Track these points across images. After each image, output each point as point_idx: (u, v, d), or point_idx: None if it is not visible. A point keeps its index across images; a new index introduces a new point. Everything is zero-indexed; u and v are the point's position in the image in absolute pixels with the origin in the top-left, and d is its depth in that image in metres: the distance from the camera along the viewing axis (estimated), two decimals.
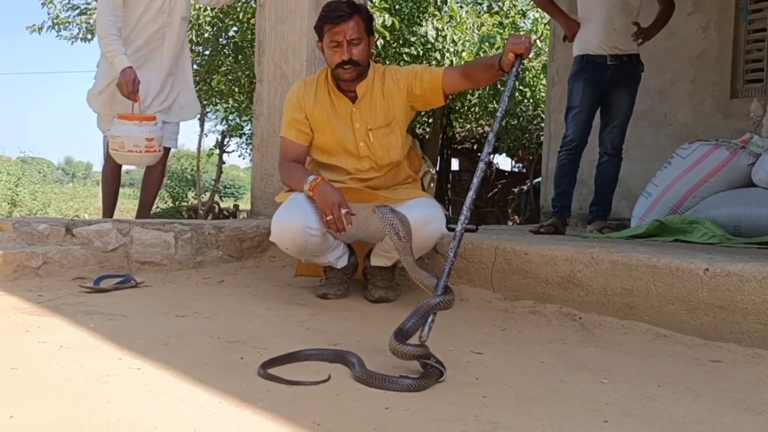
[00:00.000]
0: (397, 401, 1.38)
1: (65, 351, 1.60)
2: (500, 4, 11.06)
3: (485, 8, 11.24)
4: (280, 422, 1.22)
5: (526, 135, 10.87)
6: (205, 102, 11.78)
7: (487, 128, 11.59)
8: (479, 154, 12.15)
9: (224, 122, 14.80)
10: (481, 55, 9.80)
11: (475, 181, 1.86)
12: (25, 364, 1.49)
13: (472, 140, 12.01)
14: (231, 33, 10.54)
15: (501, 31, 10.23)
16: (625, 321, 2.10)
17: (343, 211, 2.14)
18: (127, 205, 14.91)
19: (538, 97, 10.56)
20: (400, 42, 9.35)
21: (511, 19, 10.71)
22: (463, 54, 9.67)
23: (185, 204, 18.32)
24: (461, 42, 9.68)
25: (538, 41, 10.14)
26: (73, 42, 10.58)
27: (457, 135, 12.05)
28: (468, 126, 12.07)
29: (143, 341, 1.71)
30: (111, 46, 3.31)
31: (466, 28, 9.90)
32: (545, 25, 9.52)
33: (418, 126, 11.13)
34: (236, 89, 11.21)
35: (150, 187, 3.73)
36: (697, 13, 4.66)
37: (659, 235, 3.10)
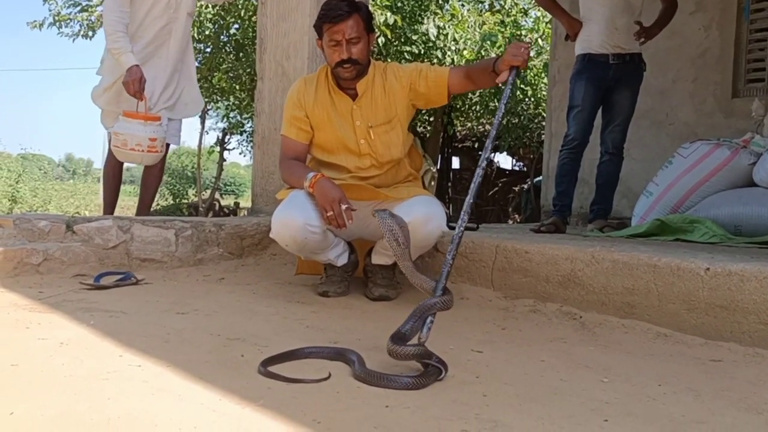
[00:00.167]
0: (397, 399, 1.38)
1: (65, 348, 1.60)
2: (502, 2, 11.04)
3: (487, 6, 11.22)
4: (280, 420, 1.22)
5: (527, 133, 10.87)
6: (206, 99, 11.76)
7: (488, 126, 11.59)
8: (480, 152, 12.16)
9: (225, 120, 14.80)
10: (483, 53, 9.80)
11: (473, 186, 1.86)
12: (26, 361, 1.49)
13: (473, 138, 12.01)
14: (232, 30, 10.54)
15: (503, 29, 10.21)
16: (626, 320, 2.10)
17: (344, 206, 2.14)
18: (128, 202, 14.92)
19: (539, 95, 10.56)
20: (402, 40, 9.34)
21: (512, 18, 10.69)
22: (465, 52, 9.67)
23: (186, 201, 18.32)
24: (463, 40, 9.68)
25: (539, 40, 10.13)
26: (74, 39, 10.59)
27: (458, 133, 12.05)
28: (469, 124, 12.07)
29: (143, 338, 1.72)
30: (118, 43, 3.30)
31: (468, 27, 9.89)
32: (547, 23, 9.51)
33: (419, 124, 11.13)
34: (237, 87, 11.22)
35: (149, 184, 3.73)
36: (699, 12, 4.65)
37: (660, 234, 3.10)
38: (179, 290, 2.41)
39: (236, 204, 17.69)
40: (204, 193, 16.67)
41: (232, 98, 12.25)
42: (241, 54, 10.43)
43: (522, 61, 2.05)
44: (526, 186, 10.59)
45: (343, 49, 2.27)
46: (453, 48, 9.56)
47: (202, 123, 14.99)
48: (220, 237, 2.92)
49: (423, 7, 9.57)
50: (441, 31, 9.29)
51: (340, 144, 2.40)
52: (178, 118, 3.69)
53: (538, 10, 10.15)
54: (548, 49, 7.88)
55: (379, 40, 8.89)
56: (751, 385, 1.58)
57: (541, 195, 5.77)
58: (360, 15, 2.29)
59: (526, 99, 10.76)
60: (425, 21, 9.27)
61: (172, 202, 18.72)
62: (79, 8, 10.50)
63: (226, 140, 16.38)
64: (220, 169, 17.23)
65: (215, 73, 10.99)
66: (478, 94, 10.58)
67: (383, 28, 8.26)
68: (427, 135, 11.27)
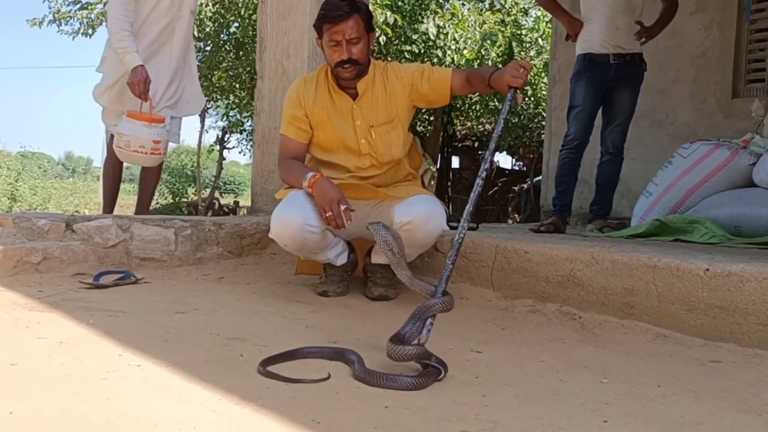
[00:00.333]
0: (396, 399, 1.38)
1: (65, 347, 1.60)
2: (502, 1, 11.04)
3: (487, 6, 11.22)
4: (279, 420, 1.22)
5: (527, 133, 10.87)
6: (206, 98, 11.77)
7: (488, 126, 11.58)
8: (480, 152, 12.17)
9: (225, 118, 14.80)
10: (483, 53, 9.80)
11: (473, 195, 1.86)
12: (25, 360, 1.49)
13: (473, 138, 12.01)
14: (232, 29, 10.54)
15: (503, 28, 10.21)
16: (625, 321, 2.10)
17: (342, 207, 2.14)
18: (127, 200, 14.90)
19: (539, 95, 10.56)
20: (402, 39, 9.33)
21: (513, 17, 10.69)
22: (465, 52, 9.67)
23: (185, 200, 18.32)
24: (463, 40, 9.67)
25: (539, 39, 10.13)
26: (74, 37, 10.56)
27: (457, 133, 12.05)
28: (469, 124, 12.07)
29: (143, 338, 1.72)
30: (123, 43, 3.28)
31: (468, 26, 9.88)
32: (547, 23, 9.51)
33: (418, 123, 11.13)
34: (237, 85, 11.22)
35: (148, 183, 3.73)
36: (700, 12, 4.65)
37: (660, 234, 3.10)
38: (179, 289, 2.41)
39: (236, 203, 17.68)
40: (204, 191, 16.67)
41: (231, 97, 12.26)
42: (241, 52, 10.43)
43: (521, 83, 2.06)
44: (525, 186, 10.59)
45: (343, 50, 2.27)
46: (453, 47, 9.55)
47: (202, 121, 15.00)
48: (220, 236, 2.92)
49: (423, 6, 9.56)
50: (441, 30, 9.28)
51: (340, 143, 2.40)
52: (180, 116, 3.69)
53: (539, 9, 10.14)
54: (548, 48, 7.88)
55: (380, 39, 8.89)
56: (750, 386, 1.58)
57: (541, 195, 5.77)
58: (360, 15, 2.28)
59: (526, 98, 10.76)
60: (425, 20, 9.26)
61: (171, 200, 18.72)
62: (78, 6, 10.49)
63: (225, 139, 16.38)
64: (220, 167, 17.24)
65: (215, 72, 10.99)
66: (478, 93, 10.57)
67: (383, 27, 8.26)
68: (427, 134, 11.27)
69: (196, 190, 17.27)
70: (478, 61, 9.79)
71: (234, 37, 10.54)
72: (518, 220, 10.29)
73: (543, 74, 10.11)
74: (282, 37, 3.32)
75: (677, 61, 4.72)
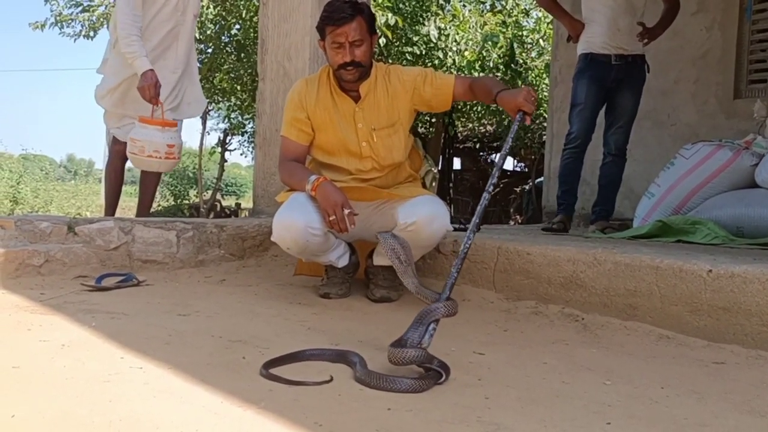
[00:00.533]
0: (399, 402, 1.37)
1: (67, 350, 1.60)
2: (503, 3, 11.04)
3: (488, 7, 11.22)
4: (281, 422, 1.21)
5: (528, 134, 10.85)
6: (207, 100, 11.77)
7: (489, 128, 11.58)
8: (481, 153, 12.17)
9: (226, 120, 14.80)
10: (484, 54, 9.79)
11: (479, 209, 1.87)
12: (27, 363, 1.49)
13: (474, 139, 12.01)
14: (234, 31, 10.53)
15: (504, 30, 10.21)
16: (628, 322, 2.10)
17: (346, 211, 2.14)
18: (129, 203, 14.92)
19: (540, 96, 10.54)
20: (403, 41, 9.33)
21: (514, 18, 10.69)
22: (466, 53, 9.66)
23: (187, 202, 18.31)
24: (464, 41, 9.66)
25: (541, 41, 10.12)
26: (75, 39, 10.58)
27: (459, 134, 12.04)
28: (470, 125, 12.06)
29: (145, 340, 1.71)
30: (132, 47, 3.27)
31: (469, 27, 9.88)
32: (548, 24, 9.50)
33: (420, 125, 11.13)
34: (238, 87, 11.21)
35: (148, 186, 3.72)
36: (701, 13, 4.64)
37: (662, 235, 3.09)
38: (181, 292, 2.41)
39: (237, 205, 17.68)
40: (205, 193, 16.67)
41: (233, 99, 12.25)
42: (242, 54, 10.43)
43: (532, 110, 2.09)
44: (527, 187, 10.57)
45: (346, 52, 2.26)
46: (454, 49, 9.54)
47: (204, 124, 14.99)
48: (222, 238, 2.92)
49: (424, 7, 9.55)
50: (442, 32, 9.27)
51: (341, 146, 2.40)
52: (181, 118, 3.69)
53: (540, 10, 10.15)
54: (550, 49, 7.88)
55: (380, 41, 8.88)
56: (754, 387, 1.58)
57: (543, 196, 5.76)
58: (363, 17, 2.28)
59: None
60: (426, 22, 9.25)
61: (173, 202, 18.71)
62: (80, 8, 10.51)
63: (227, 141, 16.38)
64: (222, 169, 17.22)
65: (216, 74, 10.98)
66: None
67: (384, 29, 8.25)
68: (429, 136, 11.26)
69: (197, 192, 17.27)
70: (480, 62, 9.79)
71: (235, 39, 10.54)
72: (520, 221, 10.28)
73: (544, 76, 10.11)
74: (283, 39, 3.32)
75: (679, 62, 4.71)
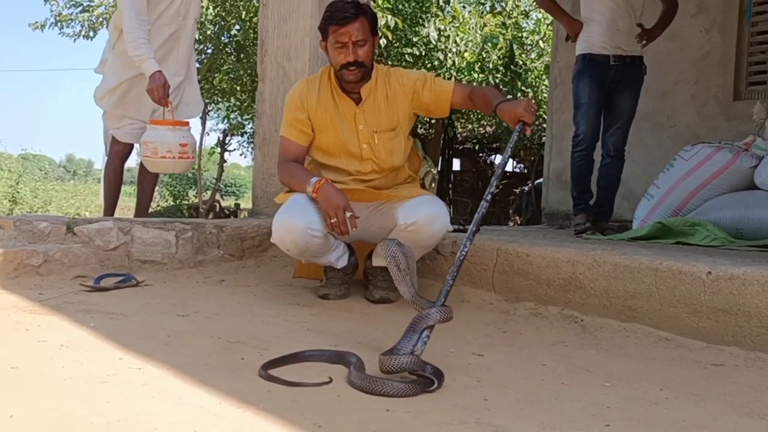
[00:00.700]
0: (398, 403, 1.37)
1: (65, 350, 1.60)
2: (503, 4, 11.05)
3: (488, 8, 11.22)
4: (280, 424, 1.21)
5: (528, 135, 10.87)
6: (207, 100, 11.77)
7: (488, 129, 11.58)
8: (480, 154, 12.17)
9: (226, 121, 14.80)
10: (484, 55, 9.79)
11: (477, 216, 1.87)
12: (26, 363, 1.49)
13: (474, 140, 12.01)
14: (233, 31, 10.54)
15: (504, 31, 10.21)
16: (627, 324, 2.10)
17: (348, 214, 2.14)
18: (128, 203, 14.91)
19: (540, 98, 10.55)
20: (403, 42, 9.33)
21: (514, 20, 10.70)
22: (466, 54, 9.66)
23: (186, 202, 18.30)
24: (464, 42, 9.67)
25: (540, 42, 10.13)
26: (75, 39, 10.58)
27: (458, 135, 12.05)
28: (470, 126, 12.07)
29: (144, 341, 1.71)
30: (140, 50, 3.26)
31: (469, 29, 9.88)
32: (548, 25, 9.51)
33: (419, 126, 11.13)
34: (238, 88, 11.21)
35: (146, 186, 3.72)
36: (701, 14, 4.64)
37: (661, 237, 3.09)
38: (179, 292, 2.41)
39: (237, 205, 17.67)
40: (204, 194, 16.66)
41: (232, 99, 12.24)
42: (242, 55, 10.42)
43: (532, 120, 2.09)
44: (526, 188, 10.58)
45: (349, 52, 2.26)
46: (454, 50, 9.55)
47: (203, 124, 14.97)
48: (221, 239, 2.92)
49: (424, 9, 9.55)
50: (442, 33, 9.27)
51: (342, 147, 2.39)
52: (180, 119, 3.68)
53: (539, 12, 10.16)
54: (549, 51, 7.88)
55: (380, 42, 8.88)
56: (753, 389, 1.58)
57: (542, 197, 5.76)
58: (366, 17, 2.28)
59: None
60: (426, 23, 9.25)
61: (172, 203, 18.69)
62: (80, 9, 10.51)
63: (226, 141, 16.37)
64: (221, 170, 17.22)
65: (216, 74, 10.98)
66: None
67: (384, 30, 8.25)
68: (428, 137, 11.27)
69: (197, 193, 17.25)
70: (479, 63, 9.79)
71: (235, 39, 10.54)
72: (519, 222, 10.29)
73: (544, 77, 10.12)
74: (283, 40, 3.32)
75: (678, 63, 4.71)
